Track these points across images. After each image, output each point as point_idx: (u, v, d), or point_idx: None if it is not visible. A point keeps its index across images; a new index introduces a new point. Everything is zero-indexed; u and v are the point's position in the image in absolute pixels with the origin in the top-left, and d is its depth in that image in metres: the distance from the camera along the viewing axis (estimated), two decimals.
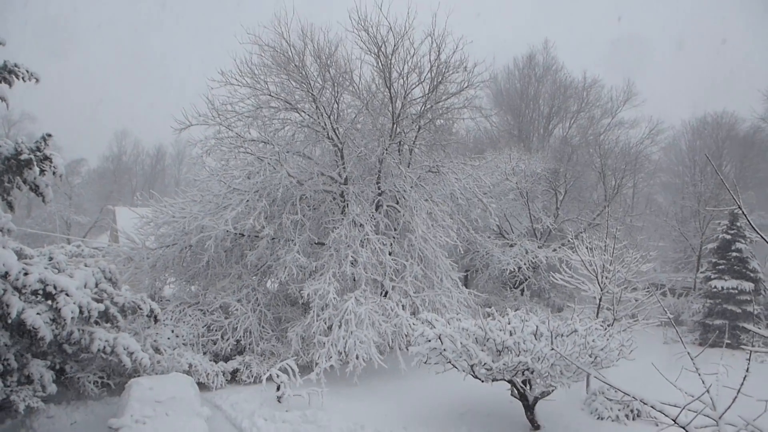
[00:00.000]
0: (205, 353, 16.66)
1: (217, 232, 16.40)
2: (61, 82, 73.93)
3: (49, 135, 11.25)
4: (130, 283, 18.08)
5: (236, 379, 16.36)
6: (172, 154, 71.73)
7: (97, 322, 13.23)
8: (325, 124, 17.64)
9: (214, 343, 16.99)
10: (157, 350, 15.52)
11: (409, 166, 19.47)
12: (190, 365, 15.41)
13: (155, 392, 11.64)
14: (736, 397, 4.01)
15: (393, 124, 18.41)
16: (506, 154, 27.07)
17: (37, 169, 10.91)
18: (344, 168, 18.05)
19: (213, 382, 15.66)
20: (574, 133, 37.78)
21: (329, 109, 17.88)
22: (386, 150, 18.20)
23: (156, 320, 15.48)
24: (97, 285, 13.66)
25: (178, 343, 16.28)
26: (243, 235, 18.30)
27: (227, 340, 17.02)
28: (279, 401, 14.22)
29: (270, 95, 17.89)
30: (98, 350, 12.89)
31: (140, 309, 14.49)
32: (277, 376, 14.40)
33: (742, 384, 4.00)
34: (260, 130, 18.50)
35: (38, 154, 11.02)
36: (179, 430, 10.69)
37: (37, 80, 11.22)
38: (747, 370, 4.17)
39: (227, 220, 16.26)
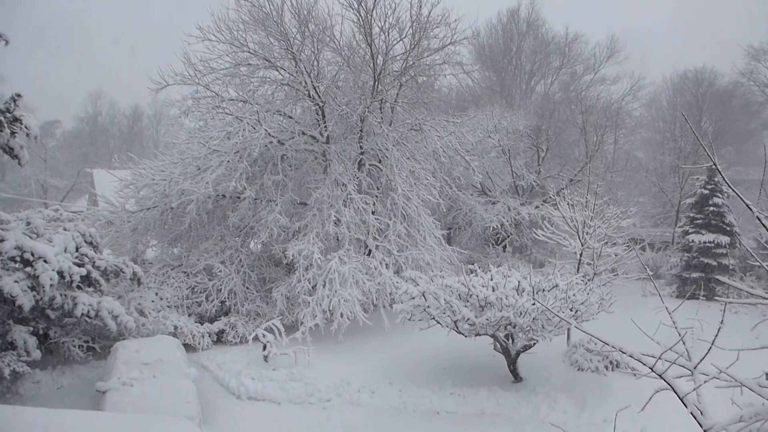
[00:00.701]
0: (190, 315, 16.71)
1: (199, 195, 16.24)
2: (33, 43, 71.62)
3: (19, 95, 10.93)
4: (111, 246, 17.91)
5: (222, 339, 16.46)
6: (149, 114, 70.31)
7: (79, 287, 13.17)
8: (306, 82, 17.34)
9: (199, 305, 17.03)
10: (141, 313, 15.54)
11: (391, 125, 19.30)
12: (176, 327, 15.46)
13: (142, 355, 11.69)
14: (710, 348, 4.11)
15: (374, 81, 18.14)
16: (488, 112, 26.94)
17: (8, 131, 10.63)
18: (325, 127, 17.85)
19: (199, 344, 15.74)
20: (556, 90, 37.74)
21: (309, 67, 17.55)
22: (368, 108, 17.99)
23: (139, 283, 15.46)
24: (77, 249, 13.54)
25: (163, 306, 16.29)
26: (224, 197, 18.16)
27: (212, 301, 17.06)
28: (265, 360, 14.36)
29: (248, 52, 17.47)
30: (82, 315, 12.86)
31: (123, 272, 14.43)
32: (263, 335, 14.51)
33: (716, 335, 4.09)
34: (239, 89, 18.14)
35: (8, 115, 10.72)
36: (167, 391, 10.78)
37: (6, 42, 10.82)
38: (721, 322, 4.26)
39: (208, 183, 16.09)
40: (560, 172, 29.30)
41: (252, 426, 11.44)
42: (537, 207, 25.80)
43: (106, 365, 12.12)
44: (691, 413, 3.93)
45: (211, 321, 16.87)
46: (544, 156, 29.29)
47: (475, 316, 11.58)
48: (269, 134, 16.84)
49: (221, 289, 17.07)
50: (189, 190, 16.39)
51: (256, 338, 14.59)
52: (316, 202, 16.99)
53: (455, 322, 11.80)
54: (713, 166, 19.15)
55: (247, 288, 17.85)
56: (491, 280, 12.25)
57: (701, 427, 3.85)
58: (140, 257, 18.71)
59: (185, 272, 17.47)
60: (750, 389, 3.73)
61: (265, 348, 14.46)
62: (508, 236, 27.41)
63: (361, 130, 18.60)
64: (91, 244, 14.24)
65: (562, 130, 30.72)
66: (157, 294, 16.48)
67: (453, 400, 12.41)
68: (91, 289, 13.69)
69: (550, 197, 22.80)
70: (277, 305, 16.53)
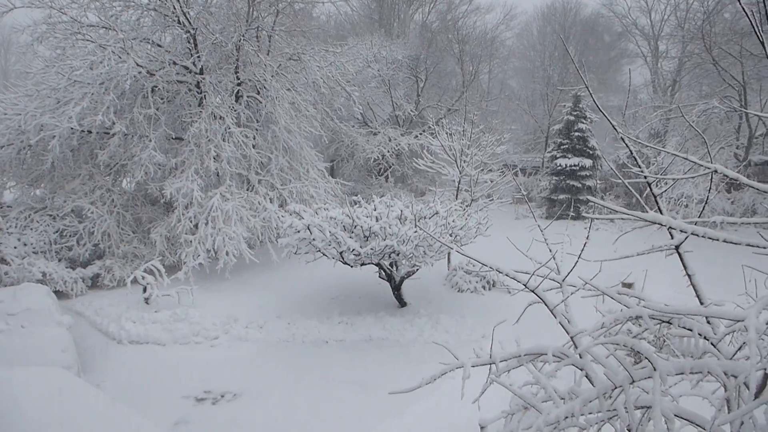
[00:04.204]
0: (60, 260, 15.66)
1: (61, 130, 14.85)
2: None
3: None
4: None
5: (98, 284, 15.67)
6: None
7: None
8: (174, 7, 16.08)
9: (70, 249, 15.99)
10: (2, 261, 14.35)
11: (268, 54, 18.55)
12: (44, 274, 14.48)
13: (6, 305, 10.85)
14: (577, 262, 4.44)
15: (249, 7, 17.19)
16: (368, 41, 26.67)
17: None
18: (199, 57, 16.80)
19: (72, 290, 14.89)
20: (434, 19, 37.87)
21: None
22: (243, 36, 17.10)
23: None
24: None
25: (28, 252, 15.11)
26: (91, 133, 16.78)
27: (84, 245, 16.06)
28: (147, 303, 13.89)
29: None
30: None
31: None
32: (143, 277, 13.95)
33: (582, 250, 4.43)
34: (99, 13, 16.45)
35: None
36: (39, 341, 10.17)
37: None
38: (587, 238, 4.61)
39: (71, 117, 14.73)
40: (439, 102, 29.92)
41: (135, 370, 11.13)
42: (416, 137, 26.33)
43: None
44: (560, 323, 4.28)
45: (85, 265, 15.95)
46: (423, 86, 29.67)
47: (360, 247, 11.80)
48: (137, 64, 15.60)
49: (93, 231, 16.07)
50: (49, 125, 14.93)
51: (135, 281, 14.00)
52: (193, 136, 16.19)
53: (341, 253, 11.97)
54: (580, 93, 20.32)
55: (122, 229, 16.95)
56: (374, 210, 12.46)
57: (568, 334, 4.22)
58: None
59: (51, 215, 16.21)
60: (610, 297, 4.12)
61: (145, 290, 13.94)
62: (390, 166, 27.87)
63: (237, 60, 17.71)
64: None
65: (439, 60, 31.16)
66: (19, 240, 15.21)
67: (341, 329, 12.76)
68: None
69: (429, 127, 23.28)
70: (157, 246, 15.89)
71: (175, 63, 16.88)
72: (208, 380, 10.64)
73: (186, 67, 17.09)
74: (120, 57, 15.42)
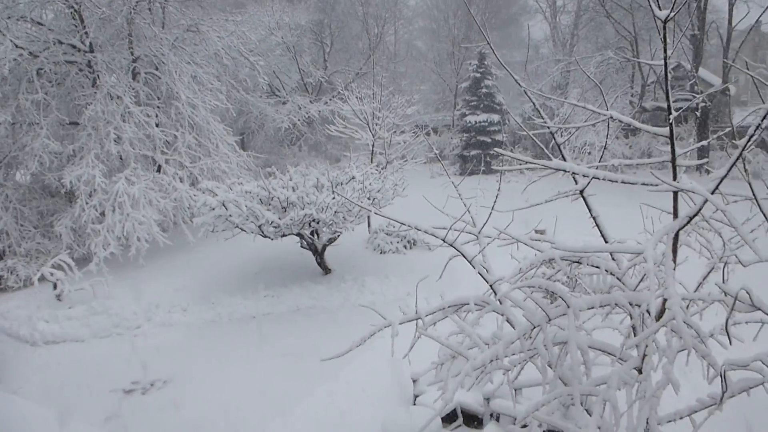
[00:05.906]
0: None
1: None
2: None
3: None
4: None
5: (1, 286, 14.69)
6: None
7: None
8: None
9: None
10: None
11: (163, 27, 17.65)
12: None
13: None
14: (491, 214, 4.58)
15: None
16: (268, 7, 25.89)
17: None
18: (86, 33, 15.75)
19: None
20: None
21: None
22: (134, 9, 16.14)
23: None
24: None
25: None
26: None
27: None
28: (59, 299, 13.18)
29: None
30: None
31: None
32: (51, 274, 13.19)
33: (495, 202, 4.57)
34: None
35: None
36: None
37: None
38: (499, 190, 4.76)
39: None
40: (347, 66, 29.68)
41: (55, 370, 10.60)
42: (327, 103, 26.07)
43: None
44: (479, 273, 4.43)
45: None
46: (330, 51, 29.29)
47: (279, 218, 11.65)
48: (16, 45, 14.43)
49: None
50: None
51: (43, 278, 13.23)
52: (90, 120, 15.27)
53: (260, 226, 11.78)
54: (484, 50, 20.70)
55: (22, 225, 15.90)
56: (290, 180, 12.31)
57: (487, 282, 4.37)
58: None
59: None
60: (524, 243, 4.30)
61: (55, 287, 13.22)
62: (302, 135, 27.55)
63: (130, 35, 16.74)
64: None
65: (344, 24, 30.79)
66: None
67: (267, 302, 12.65)
68: None
69: (339, 92, 23.08)
70: (63, 239, 15.04)
71: (60, 42, 15.75)
72: (135, 371, 10.29)
73: (73, 46, 15.99)
74: None
